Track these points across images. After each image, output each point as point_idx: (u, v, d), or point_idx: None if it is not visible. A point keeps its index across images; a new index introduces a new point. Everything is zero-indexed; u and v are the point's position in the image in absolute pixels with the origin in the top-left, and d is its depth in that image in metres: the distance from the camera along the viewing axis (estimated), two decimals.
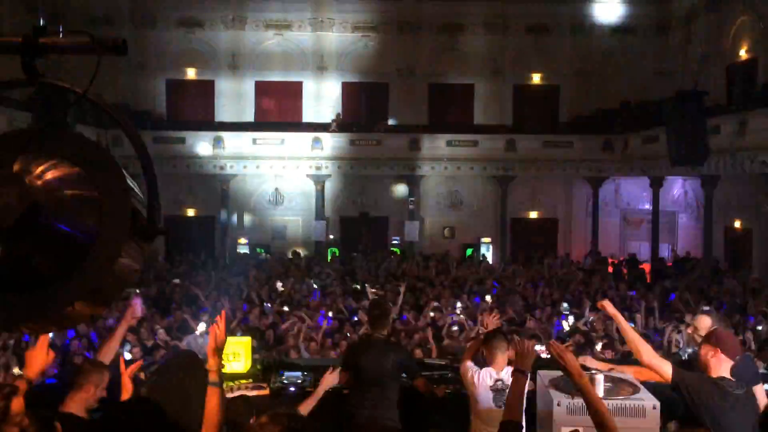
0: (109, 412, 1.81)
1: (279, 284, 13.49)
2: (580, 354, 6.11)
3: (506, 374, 4.38)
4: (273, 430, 2.53)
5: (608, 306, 4.18)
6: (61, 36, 1.39)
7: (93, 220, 1.36)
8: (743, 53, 19.37)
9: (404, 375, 5.15)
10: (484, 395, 4.45)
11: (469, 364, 4.75)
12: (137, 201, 1.44)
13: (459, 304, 11.39)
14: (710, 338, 3.74)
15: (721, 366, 3.61)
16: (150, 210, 1.46)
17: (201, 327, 8.27)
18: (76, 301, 1.36)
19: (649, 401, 3.53)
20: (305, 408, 4.05)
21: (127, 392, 3.35)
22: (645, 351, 3.87)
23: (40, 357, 3.07)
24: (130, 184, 1.43)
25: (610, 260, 19.87)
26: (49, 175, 1.36)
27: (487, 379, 4.48)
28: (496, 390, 4.40)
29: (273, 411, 2.65)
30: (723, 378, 3.57)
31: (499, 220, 22.94)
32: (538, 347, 3.64)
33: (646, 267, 19.08)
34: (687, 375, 3.69)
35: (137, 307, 4.10)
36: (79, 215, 1.35)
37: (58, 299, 1.34)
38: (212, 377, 2.78)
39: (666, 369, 3.74)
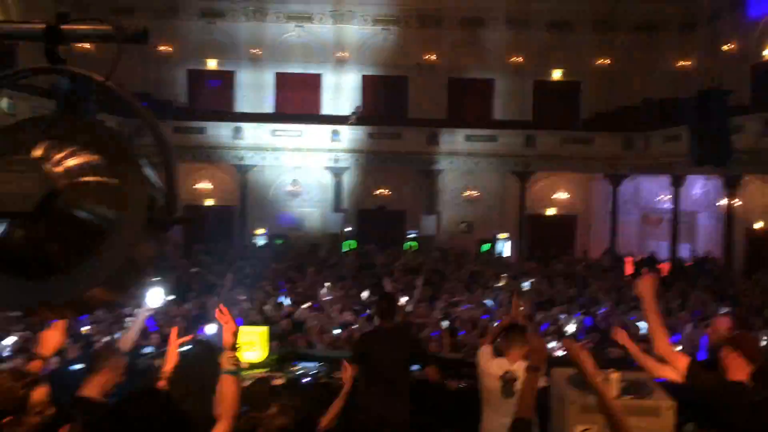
0: (119, 403, 1.81)
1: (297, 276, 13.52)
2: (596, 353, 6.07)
3: (517, 367, 4.35)
4: (282, 421, 2.55)
5: (644, 287, 3.88)
6: (83, 24, 1.40)
7: (111, 208, 1.37)
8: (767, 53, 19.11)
9: (415, 365, 5.14)
10: (492, 384, 4.45)
11: (486, 349, 4.74)
12: (155, 190, 1.45)
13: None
14: (731, 341, 3.66)
15: (739, 369, 3.51)
16: (168, 199, 1.47)
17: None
18: (93, 287, 1.37)
19: (664, 401, 3.51)
20: (331, 417, 3.78)
21: (171, 363, 3.48)
22: (661, 340, 3.72)
23: (55, 337, 3.14)
24: (149, 172, 1.44)
25: (627, 259, 19.68)
26: (68, 162, 1.37)
27: (497, 368, 4.47)
28: (505, 381, 4.39)
29: (282, 402, 2.66)
30: (740, 382, 3.49)
31: (517, 216, 22.82)
32: (553, 344, 3.59)
33: (665, 266, 18.90)
34: (701, 374, 3.61)
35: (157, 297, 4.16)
36: (98, 202, 1.36)
37: (76, 285, 1.36)
38: (227, 366, 2.75)
39: (680, 364, 3.65)
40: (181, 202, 1.50)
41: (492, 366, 4.51)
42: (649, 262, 18.92)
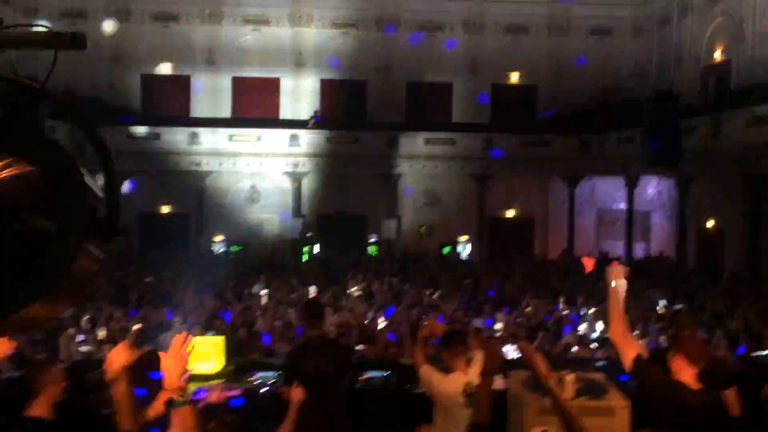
0: (57, 416, 1.72)
1: (257, 287, 13.05)
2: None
3: (472, 375, 4.07)
4: None
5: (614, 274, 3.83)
6: (17, 28, 1.34)
7: (49, 220, 1.33)
8: (718, 55, 19.65)
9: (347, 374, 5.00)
10: (452, 401, 4.17)
11: (428, 368, 4.42)
12: (96, 200, 1.41)
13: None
14: (675, 342, 3.64)
15: (682, 371, 3.48)
16: (109, 208, 1.42)
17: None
18: (32, 304, 1.32)
19: (619, 402, 3.55)
20: None
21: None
22: (618, 327, 3.65)
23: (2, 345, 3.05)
24: (89, 182, 1.40)
25: (585, 259, 19.99)
26: (2, 173, 1.32)
27: (456, 384, 4.20)
28: (468, 394, 4.07)
29: (221, 417, 2.58)
30: (680, 383, 3.46)
31: (476, 218, 23.02)
32: (508, 347, 3.57)
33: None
34: (647, 369, 3.56)
35: None
36: (35, 214, 1.32)
37: (13, 302, 1.31)
38: (174, 395, 2.44)
39: (629, 352, 3.59)
40: (133, 211, 1.45)
41: (449, 385, 4.25)
42: (601, 262, 19.26)
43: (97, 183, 1.44)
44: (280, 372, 5.46)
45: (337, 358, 4.84)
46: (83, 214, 1.36)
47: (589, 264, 18.67)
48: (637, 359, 3.55)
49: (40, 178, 1.34)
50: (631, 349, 3.63)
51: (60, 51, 1.46)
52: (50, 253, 1.32)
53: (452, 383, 4.22)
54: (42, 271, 1.31)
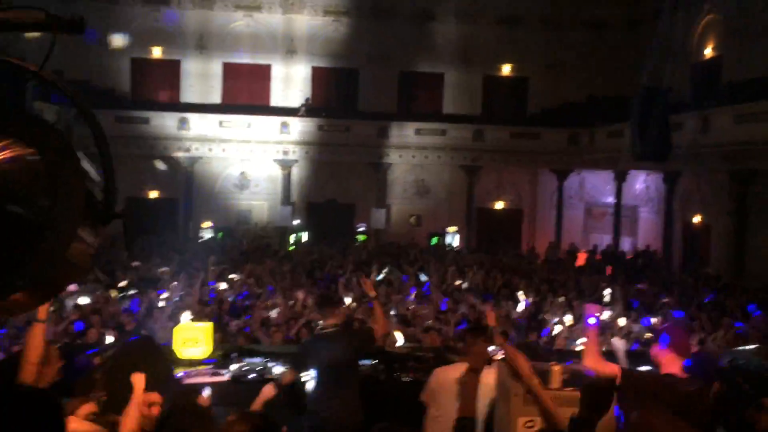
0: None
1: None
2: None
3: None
4: (241, 429, 2.53)
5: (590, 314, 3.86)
6: (14, 11, 1.34)
7: (46, 203, 1.32)
8: (708, 51, 19.73)
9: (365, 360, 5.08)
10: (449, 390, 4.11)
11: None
12: (93, 183, 1.41)
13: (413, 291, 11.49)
14: (659, 337, 3.73)
15: (671, 364, 3.60)
16: (106, 192, 1.42)
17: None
18: (26, 288, 1.32)
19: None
20: None
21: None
22: (590, 357, 3.68)
23: None
24: (86, 166, 1.39)
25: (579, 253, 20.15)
26: (0, 155, 1.32)
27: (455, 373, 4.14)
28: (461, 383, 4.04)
29: (242, 411, 2.65)
30: (670, 375, 3.58)
31: (465, 209, 23.08)
32: (491, 348, 3.56)
33: (582, 255, 19.44)
34: (634, 376, 3.68)
35: None
36: (32, 198, 1.31)
37: (7, 286, 1.30)
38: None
39: (611, 370, 3.66)
40: (120, 195, 1.45)
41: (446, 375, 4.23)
42: (590, 255, 19.39)
43: (92, 167, 1.44)
44: (267, 358, 5.50)
45: (349, 345, 4.90)
46: (80, 197, 1.36)
47: (581, 258, 18.84)
48: (624, 374, 3.62)
49: (37, 161, 1.34)
50: (609, 367, 3.69)
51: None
52: (46, 236, 1.31)
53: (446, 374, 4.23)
54: (38, 254, 1.31)
